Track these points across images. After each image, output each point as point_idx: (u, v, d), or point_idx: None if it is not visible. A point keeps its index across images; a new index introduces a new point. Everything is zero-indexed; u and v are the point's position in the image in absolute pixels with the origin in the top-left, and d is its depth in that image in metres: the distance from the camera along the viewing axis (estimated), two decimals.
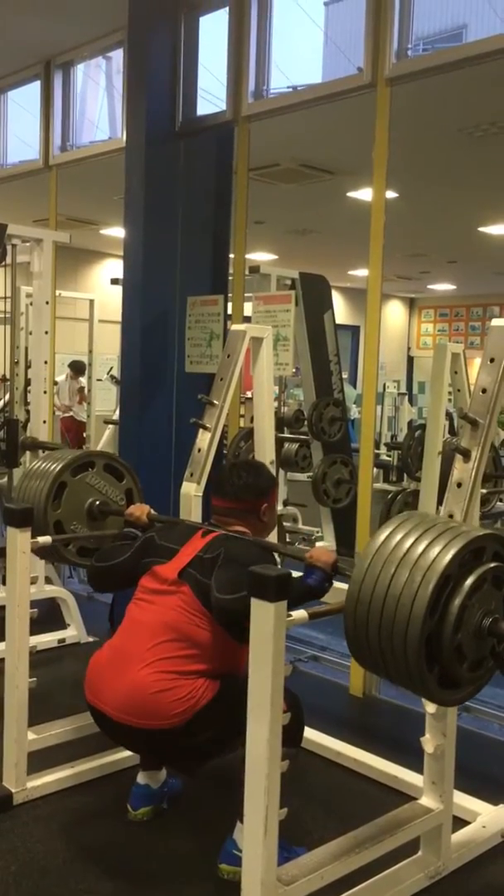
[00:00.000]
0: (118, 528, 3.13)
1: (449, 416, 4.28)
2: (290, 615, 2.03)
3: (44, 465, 3.23)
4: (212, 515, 2.77)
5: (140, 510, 2.98)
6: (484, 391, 2.41)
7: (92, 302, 7.22)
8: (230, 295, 4.52)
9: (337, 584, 3.25)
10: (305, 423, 5.30)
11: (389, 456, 8.07)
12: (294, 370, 5.08)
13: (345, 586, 3.31)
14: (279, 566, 2.54)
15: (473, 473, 2.38)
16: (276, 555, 2.69)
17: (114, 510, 3.23)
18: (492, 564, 1.96)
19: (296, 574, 2.56)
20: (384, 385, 10.27)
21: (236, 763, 2.42)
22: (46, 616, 4.47)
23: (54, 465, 3.17)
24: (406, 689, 2.02)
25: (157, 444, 4.56)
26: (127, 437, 4.81)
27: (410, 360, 15.45)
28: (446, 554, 1.86)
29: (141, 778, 2.78)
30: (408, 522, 2.00)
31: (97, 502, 3.24)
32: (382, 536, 1.98)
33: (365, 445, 4.07)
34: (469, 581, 1.89)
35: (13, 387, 5.10)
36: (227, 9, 4.48)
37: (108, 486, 3.27)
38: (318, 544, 5.32)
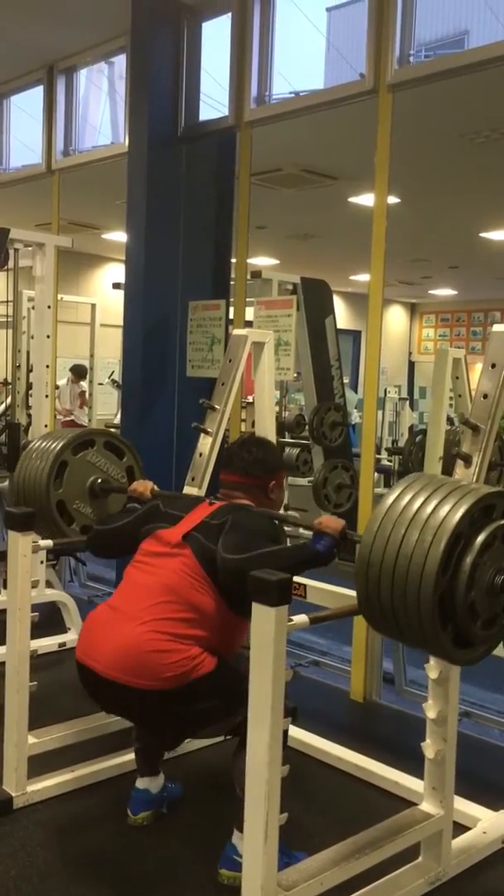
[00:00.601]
0: (121, 506, 3.11)
1: (450, 421, 4.28)
2: (291, 620, 2.03)
3: (44, 444, 3.19)
4: (219, 489, 2.74)
5: (144, 486, 2.97)
6: (485, 396, 2.42)
7: (94, 306, 7.24)
8: (232, 299, 4.53)
9: (337, 589, 3.26)
10: (306, 427, 5.31)
11: (390, 461, 8.06)
12: (295, 375, 5.08)
13: (344, 590, 3.32)
14: (285, 538, 2.56)
15: (475, 479, 2.38)
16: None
17: (116, 487, 3.20)
18: (502, 521, 1.95)
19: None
20: (385, 390, 10.26)
21: (232, 770, 2.43)
22: (47, 620, 4.47)
23: (55, 444, 3.14)
24: (420, 649, 2.01)
25: (158, 448, 4.57)
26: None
27: (412, 365, 15.45)
28: (456, 512, 1.86)
29: (140, 783, 2.78)
30: (416, 483, 1.99)
31: (99, 480, 3.20)
32: (392, 498, 1.97)
33: (366, 450, 4.07)
34: (480, 538, 1.89)
35: (15, 390, 5.11)
36: (229, 14, 4.49)
37: (110, 463, 3.25)
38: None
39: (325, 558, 2.38)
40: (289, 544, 2.63)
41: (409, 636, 1.96)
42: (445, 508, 1.88)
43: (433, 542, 1.84)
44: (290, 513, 2.76)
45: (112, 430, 3.38)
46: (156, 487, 2.97)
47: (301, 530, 2.79)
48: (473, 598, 1.89)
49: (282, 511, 2.95)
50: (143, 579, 2.49)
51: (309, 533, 2.49)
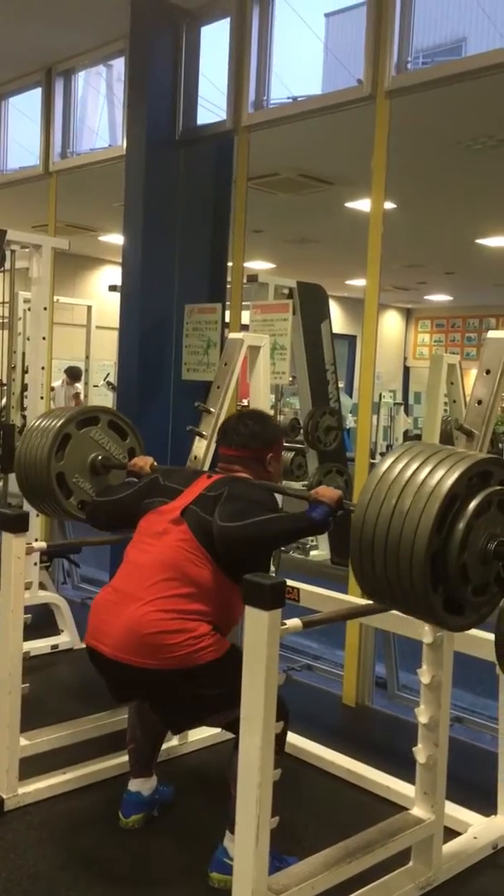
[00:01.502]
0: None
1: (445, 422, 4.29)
2: (284, 624, 2.03)
3: (47, 420, 3.20)
4: (217, 464, 2.75)
5: (144, 461, 2.98)
6: (479, 402, 2.42)
7: (90, 308, 7.23)
8: (228, 303, 4.53)
9: (331, 593, 3.27)
10: (301, 431, 5.32)
11: None
12: (290, 379, 5.09)
13: (337, 595, 3.32)
14: (278, 506, 2.55)
15: None
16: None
17: (116, 464, 3.20)
18: (499, 487, 1.96)
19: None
20: (380, 395, 10.29)
21: (227, 770, 2.43)
22: (40, 621, 4.47)
23: (59, 418, 3.15)
24: (410, 613, 2.02)
25: (152, 450, 4.55)
26: None
27: (407, 370, 15.49)
28: (453, 474, 1.87)
29: (132, 785, 2.77)
30: (413, 449, 2.00)
31: (100, 457, 3.20)
32: (388, 462, 1.98)
33: (360, 455, 4.08)
34: (475, 501, 1.90)
35: (10, 392, 5.11)
36: (228, 19, 4.50)
37: (112, 443, 3.24)
38: (312, 553, 5.33)
39: (321, 526, 2.39)
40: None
41: (400, 598, 1.95)
42: (441, 472, 1.89)
43: (429, 501, 1.84)
44: (289, 488, 2.75)
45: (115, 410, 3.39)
46: (155, 463, 2.97)
47: None
48: (466, 560, 1.89)
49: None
50: (142, 559, 2.50)
51: None
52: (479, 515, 1.91)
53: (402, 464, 1.95)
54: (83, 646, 4.47)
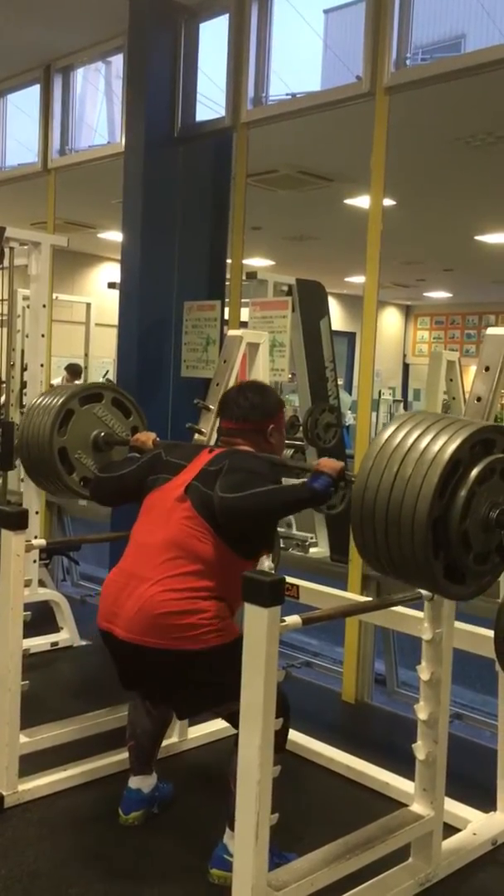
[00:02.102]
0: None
1: None
2: (283, 620, 2.04)
3: (50, 397, 3.20)
4: (219, 437, 2.74)
5: (146, 436, 2.97)
6: (479, 399, 2.42)
7: (89, 305, 7.23)
8: (227, 300, 4.53)
9: (330, 590, 3.27)
10: (301, 429, 5.31)
11: None
12: (290, 376, 5.09)
13: (337, 592, 3.32)
14: (280, 478, 2.54)
15: None
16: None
17: (119, 440, 3.20)
18: (501, 455, 1.95)
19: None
20: (379, 392, 10.30)
21: (227, 767, 2.43)
22: (40, 619, 4.47)
23: (62, 394, 3.15)
24: (411, 582, 2.01)
25: None
26: None
27: (406, 367, 15.49)
28: (455, 440, 1.86)
29: (132, 782, 2.78)
30: (414, 418, 1.99)
31: (102, 433, 3.20)
32: (390, 430, 1.98)
33: (360, 452, 4.08)
34: (477, 468, 1.89)
35: (9, 389, 5.10)
36: (227, 15, 4.49)
37: (115, 420, 3.24)
38: (311, 550, 5.33)
39: (322, 497, 2.38)
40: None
41: (401, 566, 1.94)
42: (443, 439, 1.88)
43: (431, 466, 1.84)
44: (291, 460, 2.74)
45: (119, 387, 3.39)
46: (158, 439, 2.96)
47: None
48: (467, 527, 1.89)
49: None
50: (148, 538, 2.50)
51: None
52: (481, 483, 1.90)
53: (404, 432, 1.94)
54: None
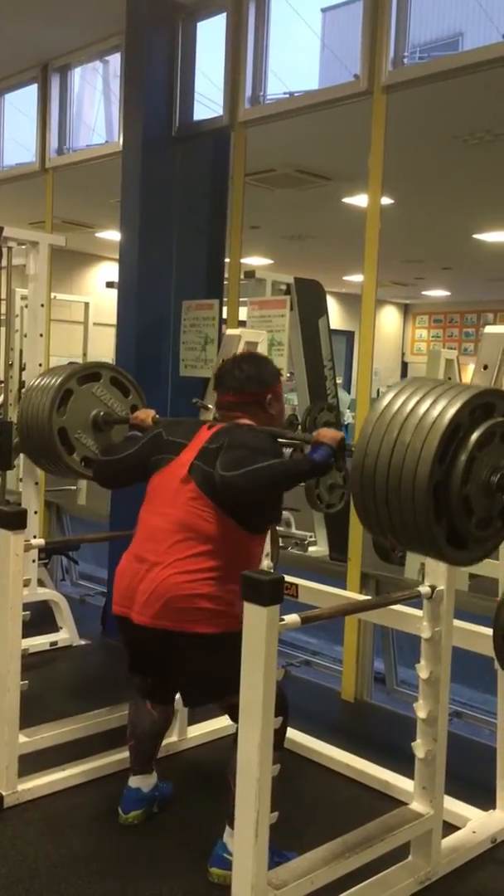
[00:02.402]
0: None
1: None
2: (282, 619, 2.04)
3: (48, 378, 3.18)
4: (216, 411, 2.72)
5: (145, 414, 2.96)
6: None
7: (87, 305, 7.22)
8: (225, 299, 4.53)
9: (329, 589, 3.27)
10: (299, 427, 5.31)
11: None
12: (288, 375, 5.09)
13: (336, 590, 3.32)
14: (282, 452, 2.53)
15: None
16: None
17: (118, 419, 3.19)
18: (501, 419, 1.94)
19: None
20: (378, 390, 10.27)
21: (227, 765, 2.43)
22: (39, 618, 4.47)
23: (60, 374, 3.14)
24: (414, 549, 2.00)
25: None
26: None
27: (405, 365, 15.48)
28: (455, 404, 1.85)
29: (132, 781, 2.78)
30: (414, 383, 1.98)
31: (102, 413, 3.18)
32: (390, 395, 1.96)
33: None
34: (478, 431, 1.88)
35: (7, 389, 5.10)
36: (224, 14, 4.49)
37: (115, 399, 3.23)
38: (311, 549, 5.33)
39: (322, 468, 2.37)
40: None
41: (402, 533, 1.93)
42: (443, 403, 1.87)
43: (431, 431, 1.83)
44: (290, 433, 2.71)
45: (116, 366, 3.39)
46: (157, 415, 2.95)
47: None
48: (468, 492, 1.88)
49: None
50: (157, 522, 2.51)
51: None
52: (481, 447, 1.89)
53: (404, 397, 1.93)
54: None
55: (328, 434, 2.41)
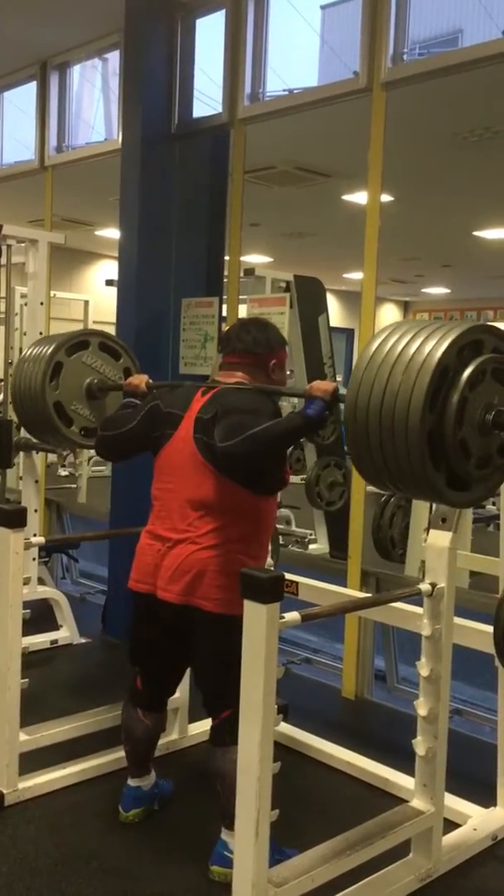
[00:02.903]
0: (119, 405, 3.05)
1: None
2: (282, 617, 2.03)
3: (38, 349, 3.16)
4: (219, 370, 2.69)
5: (139, 379, 2.93)
6: None
7: (87, 303, 7.23)
8: (225, 297, 4.53)
9: (329, 587, 3.27)
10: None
11: None
12: (288, 372, 5.08)
13: (336, 588, 3.32)
14: (277, 407, 2.50)
15: None
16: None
17: (112, 386, 3.17)
18: (492, 355, 1.91)
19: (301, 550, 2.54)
20: None
21: (209, 767, 2.44)
22: (39, 617, 4.47)
23: (48, 347, 3.11)
24: (415, 496, 1.98)
25: None
26: None
27: None
28: (441, 345, 1.81)
29: (131, 781, 2.78)
30: (402, 325, 1.95)
31: (95, 381, 3.16)
32: (378, 340, 1.93)
33: None
34: (467, 372, 1.84)
35: (7, 387, 5.09)
36: (223, 11, 4.48)
37: (106, 365, 3.20)
38: (311, 547, 5.33)
39: (318, 422, 2.34)
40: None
41: (401, 481, 1.91)
42: (431, 344, 1.83)
43: (419, 376, 1.79)
44: (282, 388, 2.65)
45: (105, 331, 3.36)
46: (150, 380, 2.92)
47: None
48: (464, 434, 1.85)
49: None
50: (171, 499, 2.52)
51: None
52: (473, 387, 1.86)
53: (393, 340, 1.89)
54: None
55: (321, 387, 2.36)
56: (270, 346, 2.61)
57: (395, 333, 1.92)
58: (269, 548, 2.65)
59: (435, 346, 1.82)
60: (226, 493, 2.43)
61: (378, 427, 1.85)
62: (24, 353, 3.26)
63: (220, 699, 2.43)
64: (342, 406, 2.15)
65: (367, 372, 1.89)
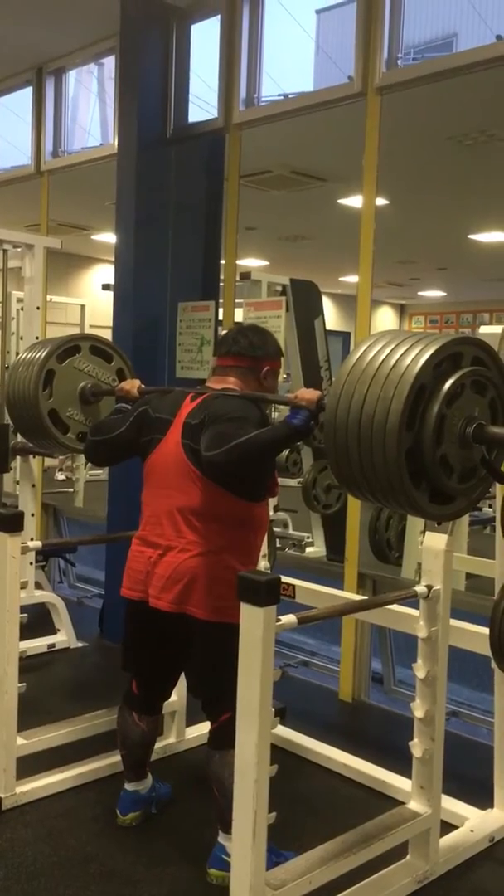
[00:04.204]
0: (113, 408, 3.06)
1: None
2: (279, 620, 2.04)
3: (29, 355, 3.16)
4: (212, 374, 2.69)
5: (131, 384, 2.93)
6: None
7: (83, 307, 7.24)
8: (221, 301, 4.53)
9: (326, 589, 3.27)
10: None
11: None
12: (284, 376, 5.10)
13: (333, 591, 3.32)
14: (264, 414, 2.50)
15: None
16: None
17: (105, 391, 3.17)
18: (470, 368, 1.88)
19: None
20: None
21: (207, 770, 2.44)
22: (36, 621, 4.47)
23: (38, 354, 3.11)
24: (402, 511, 1.96)
25: None
26: None
27: None
28: (417, 363, 1.77)
29: (128, 785, 2.78)
30: (382, 338, 1.91)
31: (88, 385, 3.17)
32: (356, 355, 1.89)
33: None
34: (445, 388, 1.80)
35: (3, 392, 5.09)
36: (218, 16, 4.49)
37: (98, 368, 3.20)
38: (308, 550, 5.34)
39: (303, 432, 2.32)
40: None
41: (382, 495, 1.88)
42: (407, 360, 1.79)
43: (394, 396, 1.75)
44: (269, 395, 2.64)
45: (95, 335, 3.36)
46: (142, 385, 2.92)
47: None
48: (444, 451, 1.82)
49: (270, 513, 2.93)
50: (161, 505, 2.52)
51: None
52: (451, 402, 1.82)
53: (371, 354, 1.86)
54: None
55: (306, 395, 2.35)
56: (266, 352, 2.61)
57: (374, 347, 1.88)
58: (261, 552, 2.65)
59: (411, 363, 1.79)
60: (215, 500, 2.43)
61: (357, 445, 1.83)
62: (15, 360, 3.26)
63: (218, 703, 2.43)
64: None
65: (344, 389, 1.86)
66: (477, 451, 1.92)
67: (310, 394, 2.35)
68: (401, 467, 1.78)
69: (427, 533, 2.52)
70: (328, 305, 8.30)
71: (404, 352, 1.82)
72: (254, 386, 2.58)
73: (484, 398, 1.95)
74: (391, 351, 1.84)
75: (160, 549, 2.50)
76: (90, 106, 5.81)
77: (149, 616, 2.52)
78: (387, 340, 1.89)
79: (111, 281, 4.83)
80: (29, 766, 2.94)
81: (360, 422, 1.81)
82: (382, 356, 1.84)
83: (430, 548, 2.48)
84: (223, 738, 2.37)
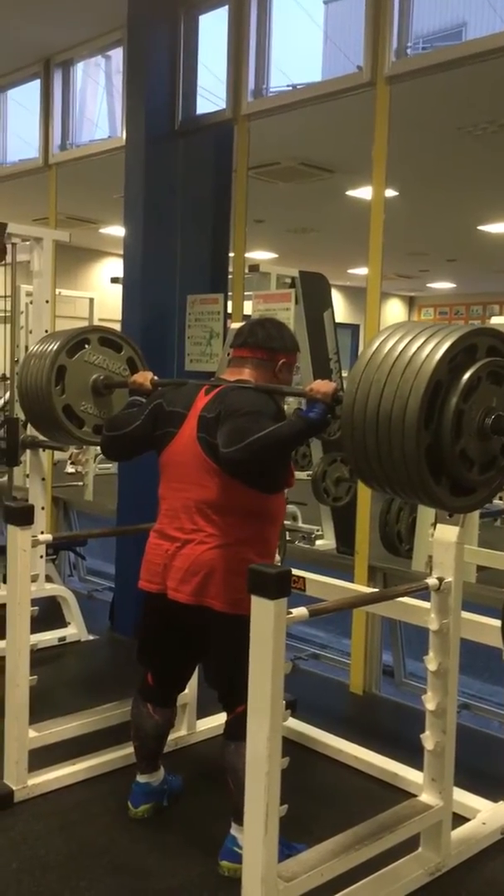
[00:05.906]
0: (126, 399, 3.03)
1: None
2: (290, 612, 2.03)
3: (39, 347, 3.16)
4: (228, 366, 2.69)
5: (143, 377, 2.92)
6: None
7: (92, 300, 7.23)
8: (230, 293, 4.53)
9: (337, 582, 3.27)
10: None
11: None
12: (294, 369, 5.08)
13: (343, 583, 3.32)
14: (280, 407, 2.49)
15: None
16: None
17: (117, 383, 3.17)
18: (486, 360, 1.86)
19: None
20: None
21: (223, 761, 2.44)
22: (47, 614, 4.48)
23: (49, 347, 3.10)
24: (423, 504, 1.96)
25: None
26: None
27: None
28: (433, 359, 1.76)
29: (140, 777, 2.78)
30: (398, 331, 1.89)
31: (101, 378, 3.16)
32: (372, 349, 1.89)
33: None
34: (462, 382, 1.80)
35: (13, 386, 5.10)
36: (226, 7, 4.48)
37: (108, 359, 3.20)
38: (318, 542, 5.33)
39: (320, 425, 2.32)
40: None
41: (401, 489, 1.88)
42: (423, 355, 1.77)
43: (411, 394, 1.74)
44: (284, 388, 2.63)
45: (103, 326, 3.35)
46: (155, 377, 2.92)
47: None
48: (463, 445, 1.81)
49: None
50: (178, 498, 2.53)
51: None
52: (468, 396, 1.82)
53: (387, 348, 1.85)
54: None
55: (321, 388, 2.34)
56: (284, 345, 2.61)
57: (388, 342, 1.87)
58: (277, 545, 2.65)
59: (427, 360, 1.77)
60: (231, 493, 2.43)
61: (375, 443, 1.82)
62: (26, 355, 3.26)
63: (235, 694, 2.42)
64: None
65: (360, 386, 1.85)
66: (496, 441, 1.91)
67: (325, 386, 2.34)
68: (420, 465, 1.77)
69: (438, 525, 2.51)
70: (337, 298, 8.28)
71: (419, 347, 1.81)
72: (269, 378, 2.58)
73: (501, 387, 1.94)
74: (406, 346, 1.83)
75: (178, 542, 2.51)
76: (98, 98, 5.80)
77: (167, 608, 2.52)
78: (401, 334, 1.87)
79: (120, 274, 4.83)
80: (40, 758, 2.94)
81: (378, 421, 1.80)
82: (397, 351, 1.83)
83: (441, 540, 2.47)
84: (239, 728, 2.36)
